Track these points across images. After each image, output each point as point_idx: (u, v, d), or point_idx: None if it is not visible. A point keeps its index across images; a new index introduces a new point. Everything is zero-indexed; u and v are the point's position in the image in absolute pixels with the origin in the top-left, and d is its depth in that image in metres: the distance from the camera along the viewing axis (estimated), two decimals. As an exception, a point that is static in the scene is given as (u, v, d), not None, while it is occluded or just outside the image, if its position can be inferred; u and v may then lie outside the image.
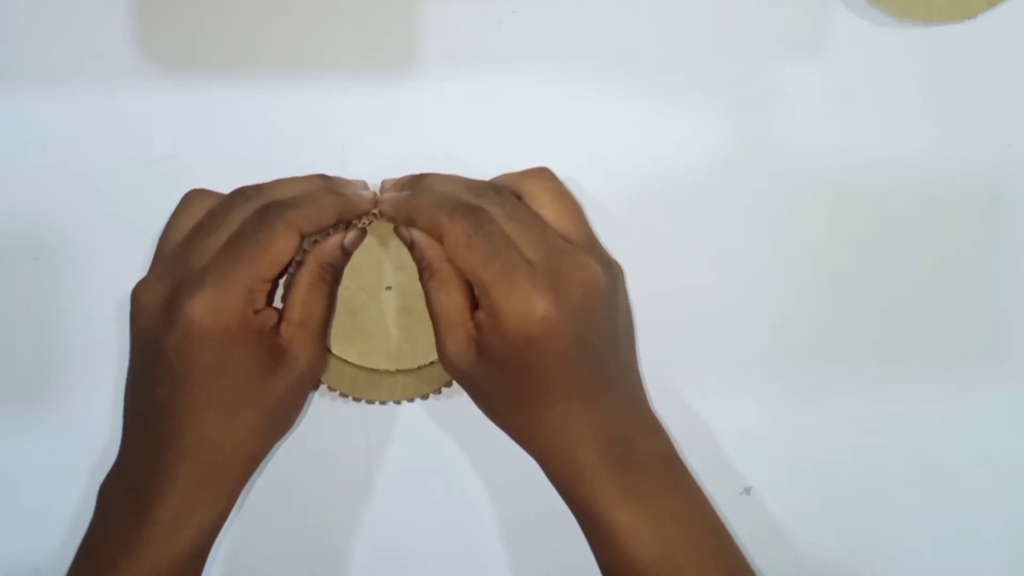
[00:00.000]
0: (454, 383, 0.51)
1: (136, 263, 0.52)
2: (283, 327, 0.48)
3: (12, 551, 0.53)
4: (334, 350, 0.51)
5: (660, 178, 0.52)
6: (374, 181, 0.51)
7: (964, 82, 0.51)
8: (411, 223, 0.48)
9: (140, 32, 0.51)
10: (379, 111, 0.52)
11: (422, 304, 0.49)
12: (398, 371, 0.51)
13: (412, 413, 0.53)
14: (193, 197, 0.49)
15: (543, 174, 0.50)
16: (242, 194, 0.48)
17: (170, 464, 0.46)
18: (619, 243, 0.51)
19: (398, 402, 0.52)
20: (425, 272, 0.48)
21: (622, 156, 0.52)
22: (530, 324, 0.45)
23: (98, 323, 0.52)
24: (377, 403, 0.52)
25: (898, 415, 0.53)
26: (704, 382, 0.53)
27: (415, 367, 0.51)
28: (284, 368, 0.48)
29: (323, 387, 0.52)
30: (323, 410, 0.53)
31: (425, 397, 0.52)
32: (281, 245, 0.47)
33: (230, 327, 0.46)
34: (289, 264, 0.48)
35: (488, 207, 0.47)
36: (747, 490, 0.53)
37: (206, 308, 0.45)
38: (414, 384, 0.51)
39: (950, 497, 0.53)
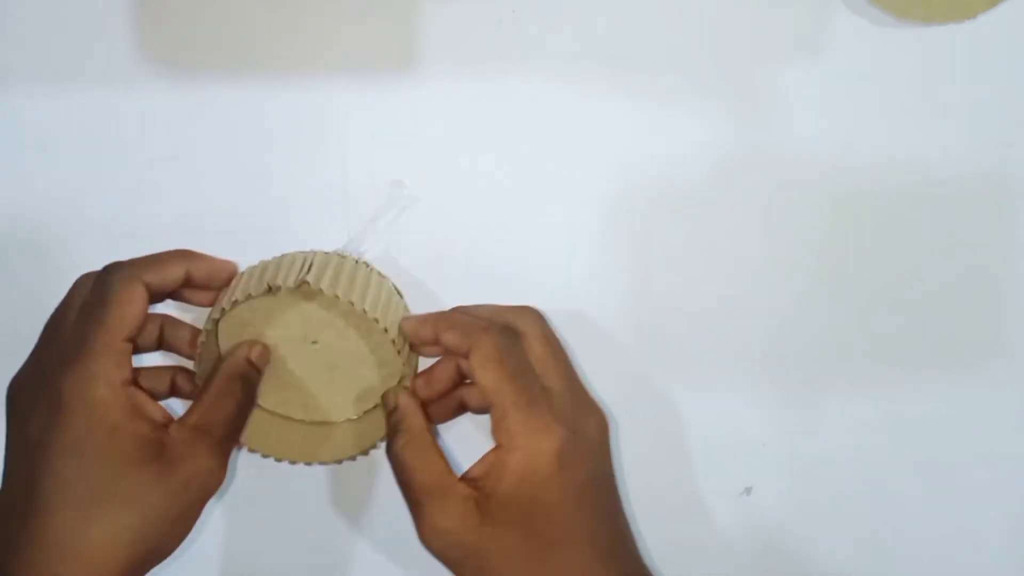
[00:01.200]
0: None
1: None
2: (173, 426, 0.44)
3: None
4: (288, 415, 0.50)
5: (660, 178, 0.52)
6: (375, 180, 0.51)
7: (964, 82, 0.51)
8: (436, 338, 0.46)
9: (140, 33, 0.51)
10: (379, 111, 0.52)
11: (346, 361, 0.49)
12: (318, 423, 0.50)
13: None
14: (77, 283, 0.48)
15: (536, 315, 0.48)
16: (84, 276, 0.47)
17: None
18: (619, 243, 0.52)
19: (322, 463, 0.50)
20: (400, 437, 0.46)
21: (622, 156, 0.52)
22: (548, 454, 0.43)
23: (98, 323, 0.52)
24: (301, 464, 0.50)
25: (898, 415, 0.53)
26: (704, 382, 0.53)
27: (336, 420, 0.51)
28: (161, 468, 0.43)
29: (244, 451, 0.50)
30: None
31: (352, 459, 0.50)
32: (123, 298, 0.44)
33: (94, 398, 0.42)
34: (150, 326, 0.46)
35: (521, 329, 0.46)
36: (748, 490, 0.53)
37: (69, 377, 0.43)
38: (336, 444, 0.50)
39: (950, 497, 0.53)
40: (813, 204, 0.52)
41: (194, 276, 0.47)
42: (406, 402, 0.47)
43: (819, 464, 0.53)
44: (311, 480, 0.53)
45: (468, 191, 0.51)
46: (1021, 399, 0.53)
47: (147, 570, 0.44)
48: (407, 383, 0.49)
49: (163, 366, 0.49)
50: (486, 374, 0.44)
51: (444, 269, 0.52)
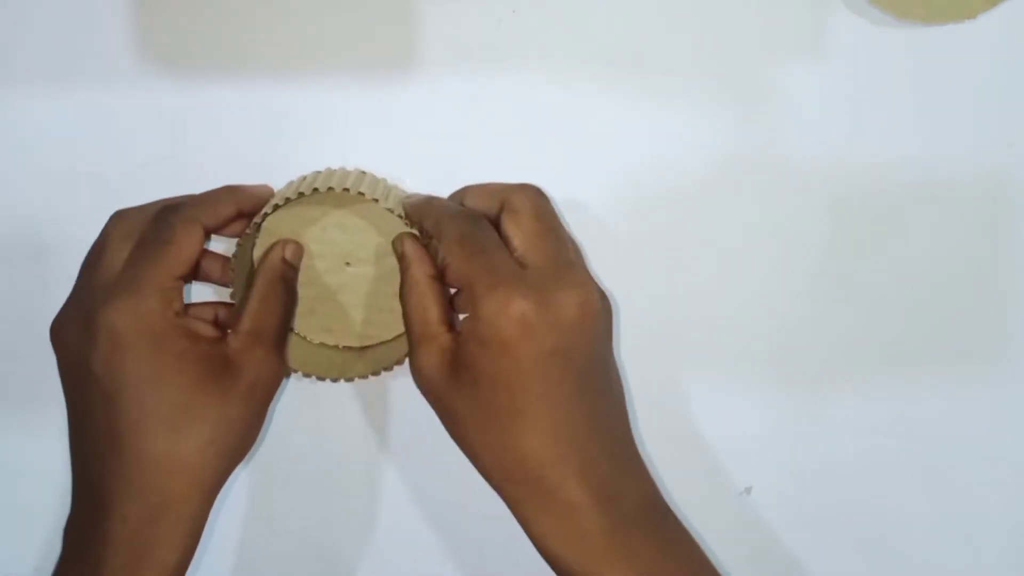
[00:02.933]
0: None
1: (136, 263, 0.52)
2: (230, 337, 0.47)
3: (12, 551, 0.54)
4: (298, 331, 0.51)
5: (660, 178, 0.52)
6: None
7: (964, 82, 0.51)
8: (417, 221, 0.48)
9: (140, 32, 0.51)
10: (379, 110, 0.52)
11: (380, 282, 0.50)
12: (363, 348, 0.51)
13: (414, 411, 0.53)
14: (116, 218, 0.48)
15: (529, 191, 0.48)
16: (141, 210, 0.48)
17: (116, 502, 0.44)
18: (619, 243, 0.52)
19: (363, 377, 0.51)
20: (405, 285, 0.47)
21: (622, 156, 0.52)
22: (506, 323, 0.43)
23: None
24: (343, 380, 0.51)
25: (899, 415, 0.53)
26: (705, 382, 0.53)
27: (378, 343, 0.51)
28: (229, 380, 0.46)
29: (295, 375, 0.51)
30: (328, 414, 0.53)
31: (388, 369, 0.51)
32: (183, 239, 0.46)
33: (154, 331, 0.44)
34: (198, 262, 0.47)
35: (513, 202, 0.47)
36: (748, 490, 0.53)
37: (122, 314, 0.44)
38: (370, 361, 0.51)
39: (951, 497, 0.53)
40: (813, 204, 0.52)
41: (244, 210, 0.49)
42: (410, 249, 0.48)
43: (819, 464, 0.53)
44: (314, 478, 0.53)
45: (468, 191, 0.51)
46: (1022, 399, 0.53)
47: (231, 472, 0.46)
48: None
49: (207, 302, 0.51)
50: (450, 256, 0.45)
51: (444, 269, 0.52)
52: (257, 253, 0.50)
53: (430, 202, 0.49)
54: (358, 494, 0.54)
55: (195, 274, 0.49)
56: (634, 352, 0.52)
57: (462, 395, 0.44)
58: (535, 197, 0.48)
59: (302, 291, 0.50)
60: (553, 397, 0.44)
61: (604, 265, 0.51)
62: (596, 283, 0.46)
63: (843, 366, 0.53)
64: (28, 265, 0.52)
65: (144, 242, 0.46)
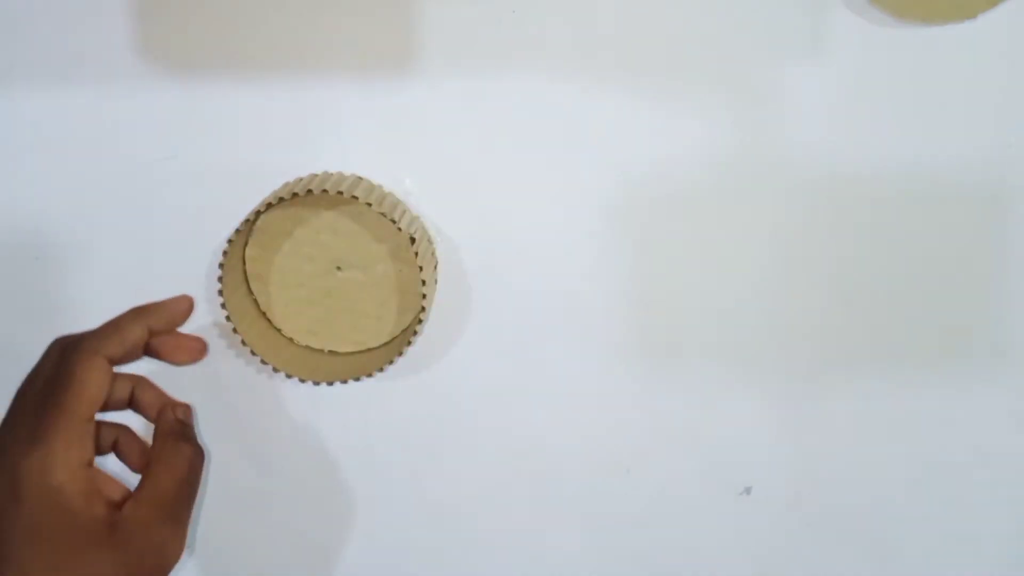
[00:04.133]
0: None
1: (136, 263, 0.52)
2: (128, 504, 0.43)
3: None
4: (285, 332, 0.51)
5: (660, 178, 0.52)
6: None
7: (964, 82, 0.51)
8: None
9: (140, 33, 0.51)
10: (379, 111, 0.51)
11: (368, 287, 0.50)
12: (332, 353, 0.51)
13: (413, 414, 0.53)
14: (48, 351, 0.47)
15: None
16: (56, 343, 0.46)
17: None
18: (620, 243, 0.51)
19: (344, 381, 0.50)
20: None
21: (622, 157, 0.52)
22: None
23: (98, 323, 0.52)
24: (324, 384, 0.50)
25: (898, 415, 0.53)
26: (704, 382, 0.53)
27: (364, 349, 0.51)
28: (115, 546, 0.42)
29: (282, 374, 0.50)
30: (322, 410, 0.53)
31: (370, 375, 0.50)
32: (85, 377, 0.44)
33: (58, 484, 0.42)
34: (106, 400, 0.45)
35: None
36: (747, 490, 0.53)
37: (30, 462, 0.42)
38: (354, 367, 0.51)
39: (950, 497, 0.53)
40: (812, 204, 0.52)
41: (155, 328, 0.47)
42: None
43: (819, 464, 0.53)
44: (308, 480, 0.53)
45: (468, 190, 0.51)
46: (1021, 399, 0.53)
47: None
48: (423, 316, 0.49)
49: (109, 423, 0.49)
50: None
51: (443, 267, 0.52)
52: (251, 252, 0.50)
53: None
54: (353, 494, 0.54)
55: (127, 401, 0.48)
56: (633, 352, 0.52)
57: None
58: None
59: (292, 292, 0.50)
60: None
61: (603, 265, 0.51)
62: None
63: (842, 366, 0.53)
64: (28, 266, 0.52)
65: (48, 382, 0.44)
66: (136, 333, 0.46)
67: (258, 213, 0.47)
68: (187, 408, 0.48)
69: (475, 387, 0.52)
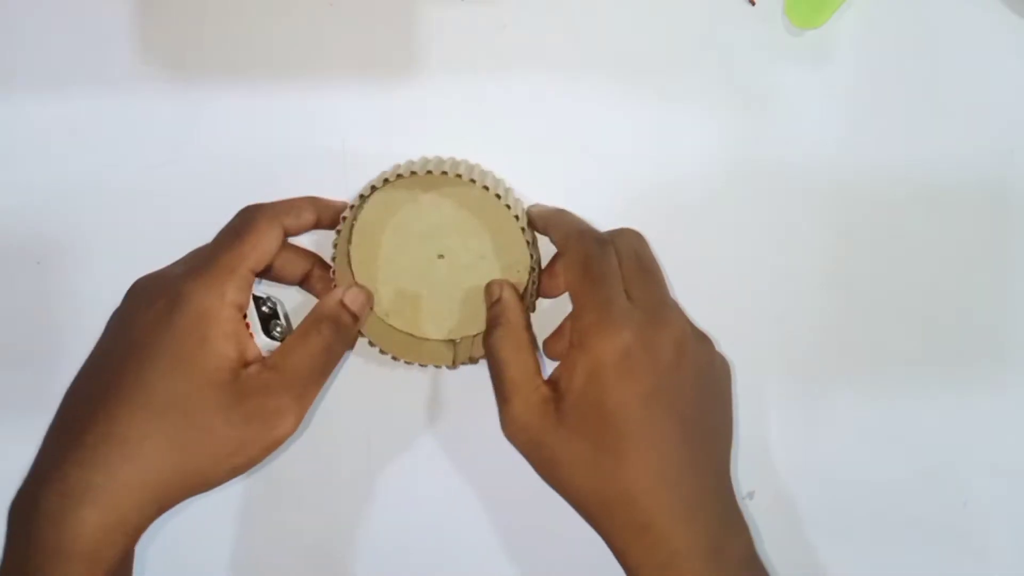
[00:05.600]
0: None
1: (137, 267, 0.51)
2: (254, 365, 0.45)
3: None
4: (382, 315, 0.51)
5: (662, 182, 0.52)
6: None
7: (967, 88, 0.51)
8: (544, 229, 0.49)
9: (141, 37, 0.51)
10: (380, 115, 0.51)
11: (470, 276, 0.50)
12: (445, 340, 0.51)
13: (414, 418, 0.53)
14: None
15: (639, 236, 0.49)
16: (243, 208, 0.48)
17: (54, 478, 0.42)
18: (621, 248, 0.51)
19: (452, 366, 0.51)
20: (499, 329, 0.47)
21: (623, 161, 0.52)
22: (613, 355, 0.43)
23: (99, 327, 0.51)
24: (417, 365, 0.51)
25: (901, 419, 0.53)
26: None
27: (460, 337, 0.51)
28: (228, 394, 0.43)
29: (364, 344, 0.50)
30: (326, 415, 0.53)
31: (474, 362, 0.50)
32: (262, 233, 0.46)
33: (208, 307, 0.44)
34: (271, 262, 0.47)
35: (617, 243, 0.47)
36: (750, 495, 0.53)
37: (193, 282, 0.44)
38: (451, 352, 0.51)
39: (954, 503, 0.53)
40: (815, 208, 0.52)
41: (323, 220, 0.49)
42: (509, 296, 0.48)
43: (821, 469, 0.53)
44: (313, 486, 0.53)
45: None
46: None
47: (190, 494, 0.44)
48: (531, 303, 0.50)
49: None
50: (570, 274, 0.46)
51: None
52: (367, 216, 0.49)
53: (560, 214, 0.49)
54: (355, 495, 0.54)
55: (269, 273, 0.49)
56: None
57: (567, 441, 0.43)
58: (644, 242, 0.49)
59: (388, 271, 0.50)
60: (657, 440, 0.43)
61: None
62: (697, 329, 0.47)
63: (846, 370, 0.53)
64: (30, 270, 0.52)
65: (226, 230, 0.47)
66: (309, 216, 0.48)
67: (373, 187, 0.48)
68: (364, 298, 0.48)
69: (476, 386, 0.52)
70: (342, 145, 0.51)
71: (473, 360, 0.50)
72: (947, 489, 0.53)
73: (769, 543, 0.53)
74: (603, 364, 0.43)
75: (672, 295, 0.48)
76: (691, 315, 0.52)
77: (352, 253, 0.50)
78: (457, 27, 0.51)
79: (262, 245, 0.46)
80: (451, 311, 0.51)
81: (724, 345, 0.52)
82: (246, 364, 0.44)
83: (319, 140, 0.51)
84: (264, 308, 0.48)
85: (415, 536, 0.54)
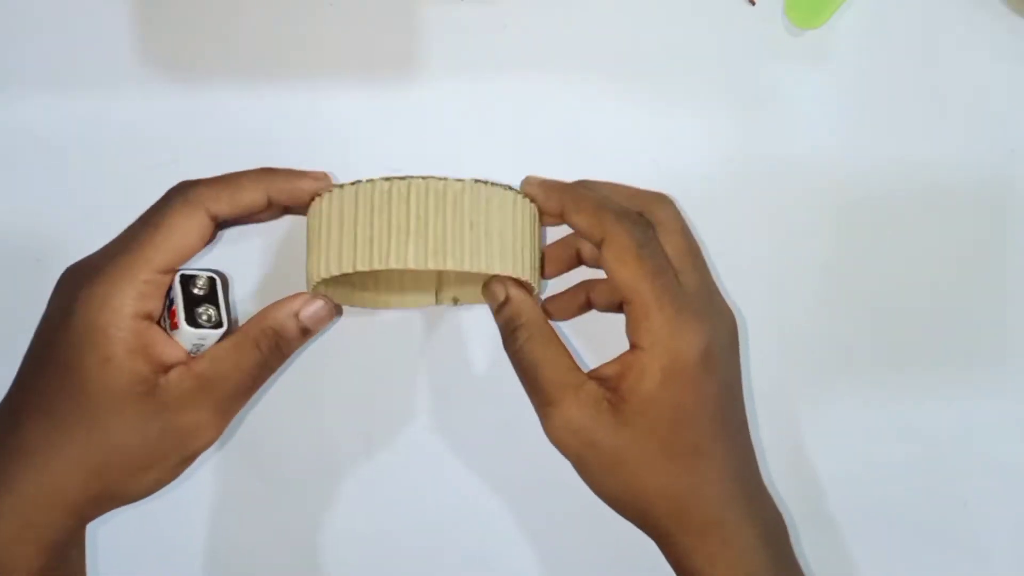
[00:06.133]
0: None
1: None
2: (176, 370, 0.41)
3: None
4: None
5: (662, 182, 0.52)
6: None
7: (967, 87, 0.51)
8: (562, 214, 0.43)
9: (141, 38, 0.51)
10: (381, 116, 0.51)
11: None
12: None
13: (414, 418, 0.53)
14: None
15: (672, 205, 0.45)
16: (177, 184, 0.43)
17: None
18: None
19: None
20: (521, 332, 0.42)
21: (624, 161, 0.52)
22: (693, 355, 0.40)
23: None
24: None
25: (902, 420, 0.53)
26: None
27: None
28: (143, 410, 0.40)
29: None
30: (324, 412, 0.53)
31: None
32: (178, 224, 0.41)
33: (102, 325, 0.39)
34: (192, 253, 0.42)
35: (658, 218, 0.43)
36: (750, 495, 0.53)
37: (87, 294, 0.40)
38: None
39: (953, 504, 0.53)
40: (817, 209, 0.52)
41: (276, 199, 0.42)
42: (518, 293, 0.43)
43: (821, 469, 0.53)
44: (311, 481, 0.53)
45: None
46: (1025, 404, 0.53)
47: (108, 507, 0.42)
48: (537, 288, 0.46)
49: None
50: (623, 269, 0.41)
51: (446, 274, 0.52)
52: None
53: (581, 191, 0.43)
54: (348, 493, 0.54)
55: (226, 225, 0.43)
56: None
57: (636, 441, 0.41)
58: (678, 212, 0.45)
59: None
60: (728, 434, 0.42)
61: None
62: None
63: (846, 372, 0.53)
64: (29, 270, 0.52)
65: (139, 220, 0.42)
66: (251, 196, 0.42)
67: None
68: (324, 313, 0.43)
69: (477, 387, 0.52)
70: (343, 145, 0.51)
71: (456, 302, 0.48)
72: (947, 489, 0.53)
73: (769, 543, 0.53)
74: (684, 365, 0.40)
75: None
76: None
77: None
78: (457, 27, 0.51)
79: (174, 239, 0.40)
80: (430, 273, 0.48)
81: (724, 345, 0.52)
82: (166, 368, 0.41)
83: (319, 140, 0.51)
84: (195, 289, 0.42)
85: (413, 530, 0.54)
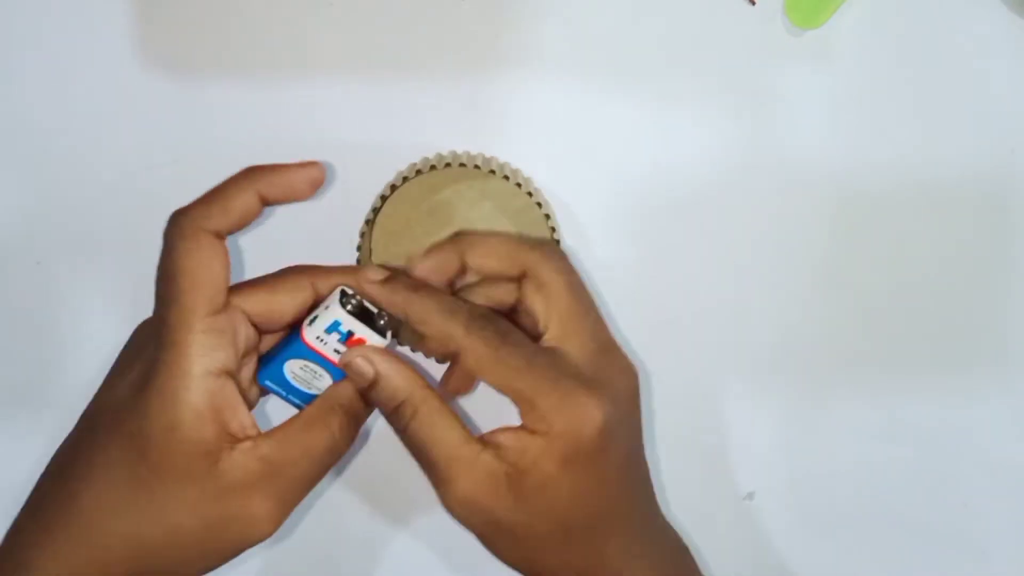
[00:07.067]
0: None
1: (137, 269, 0.51)
2: (242, 447, 0.38)
3: None
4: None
5: (662, 182, 0.52)
6: (376, 185, 0.50)
7: (967, 87, 0.51)
8: (408, 321, 0.40)
9: (141, 38, 0.51)
10: (381, 115, 0.51)
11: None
12: None
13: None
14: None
15: (557, 257, 0.43)
16: (170, 219, 0.41)
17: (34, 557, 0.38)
18: (621, 248, 0.51)
19: None
20: (405, 410, 0.39)
21: (623, 160, 0.52)
22: (589, 435, 0.38)
23: (99, 329, 0.51)
24: None
25: (901, 421, 0.53)
26: (707, 387, 0.53)
27: None
28: (202, 490, 0.37)
29: None
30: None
31: None
32: (192, 258, 0.38)
33: (175, 387, 0.37)
34: (227, 277, 0.39)
35: (544, 278, 0.41)
36: (750, 496, 0.53)
37: (159, 359, 0.37)
38: None
39: (953, 504, 0.53)
40: (816, 208, 0.52)
41: (269, 196, 0.40)
42: (388, 367, 0.39)
43: (821, 470, 0.53)
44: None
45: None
46: (1024, 404, 0.53)
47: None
48: None
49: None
50: (491, 375, 0.39)
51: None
52: (390, 214, 0.45)
53: (418, 298, 0.40)
54: (353, 491, 0.54)
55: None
56: (635, 356, 0.52)
57: (534, 520, 0.39)
58: (564, 268, 0.42)
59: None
60: (629, 495, 0.41)
61: (604, 270, 0.51)
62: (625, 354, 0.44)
63: (846, 371, 0.53)
64: (30, 270, 0.52)
65: (158, 274, 0.38)
66: (241, 201, 0.39)
67: (393, 187, 0.47)
68: (359, 405, 0.40)
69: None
70: (342, 143, 0.51)
71: None
72: (947, 489, 0.53)
73: (769, 543, 0.53)
74: (582, 447, 0.38)
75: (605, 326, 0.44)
76: (691, 314, 0.52)
77: (375, 255, 0.47)
78: (457, 27, 0.51)
79: (200, 279, 0.37)
80: None
81: (724, 344, 0.52)
82: (232, 440, 0.38)
83: (320, 139, 0.51)
84: (347, 307, 0.40)
85: (412, 530, 0.54)
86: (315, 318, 0.41)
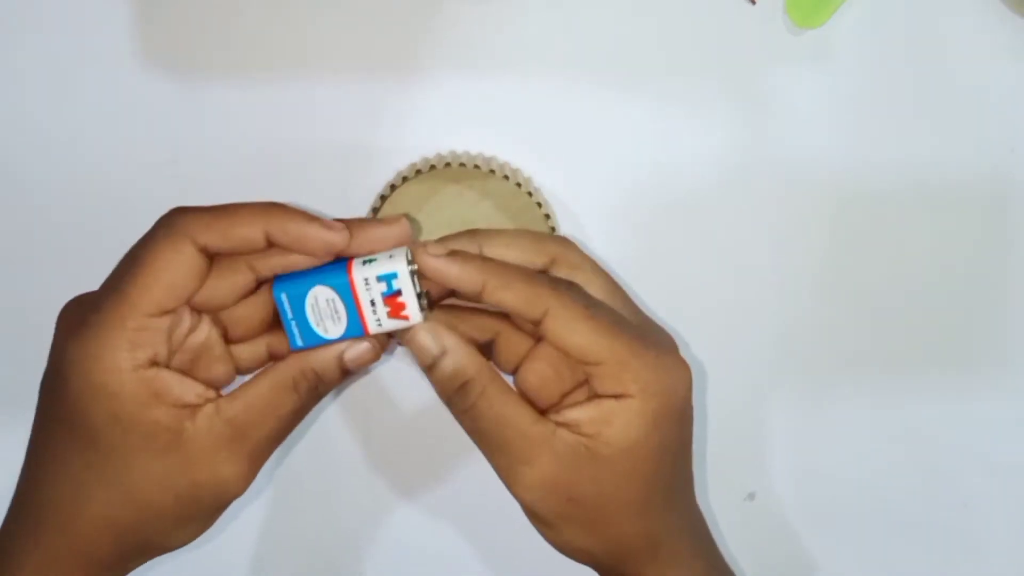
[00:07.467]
0: None
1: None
2: (205, 412, 0.37)
3: None
4: None
5: (662, 182, 0.52)
6: (376, 186, 0.50)
7: (967, 87, 0.51)
8: (484, 292, 0.37)
9: (142, 37, 0.51)
10: (381, 114, 0.51)
11: None
12: None
13: (415, 423, 0.53)
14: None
15: (576, 246, 0.42)
16: (169, 211, 0.39)
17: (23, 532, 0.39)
18: (622, 248, 0.51)
19: None
20: (471, 389, 0.37)
21: (623, 160, 0.52)
22: (683, 395, 0.39)
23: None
24: None
25: (902, 421, 0.53)
26: (708, 387, 0.52)
27: None
28: (171, 465, 0.37)
29: None
30: (325, 412, 0.53)
31: None
32: (163, 260, 0.36)
33: (102, 384, 0.36)
34: (189, 292, 0.37)
35: (576, 273, 0.40)
36: (751, 495, 0.53)
37: (78, 350, 0.37)
38: None
39: (954, 504, 0.53)
40: (816, 208, 0.52)
41: (277, 239, 0.37)
42: (455, 344, 0.38)
43: (822, 469, 0.53)
44: (314, 488, 0.53)
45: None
46: (1025, 404, 0.53)
47: (150, 556, 0.40)
48: None
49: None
50: (577, 336, 0.37)
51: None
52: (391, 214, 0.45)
53: (495, 265, 0.38)
54: (354, 491, 0.54)
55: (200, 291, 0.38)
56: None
57: (614, 484, 0.38)
58: (585, 252, 0.42)
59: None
60: (687, 464, 0.42)
61: (607, 269, 0.51)
62: None
63: (847, 371, 0.53)
64: (30, 270, 0.52)
65: (126, 256, 0.38)
66: (247, 232, 0.37)
67: (393, 187, 0.47)
68: (368, 358, 0.38)
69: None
70: (343, 143, 0.51)
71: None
72: (947, 489, 0.53)
73: (769, 543, 0.53)
74: (675, 404, 0.38)
75: None
76: (691, 315, 0.52)
77: None
78: (458, 26, 0.51)
79: (161, 279, 0.36)
80: None
81: (724, 345, 0.52)
82: (190, 409, 0.37)
83: (321, 139, 0.51)
84: (412, 266, 0.37)
85: (412, 530, 0.54)
86: (372, 260, 0.38)
